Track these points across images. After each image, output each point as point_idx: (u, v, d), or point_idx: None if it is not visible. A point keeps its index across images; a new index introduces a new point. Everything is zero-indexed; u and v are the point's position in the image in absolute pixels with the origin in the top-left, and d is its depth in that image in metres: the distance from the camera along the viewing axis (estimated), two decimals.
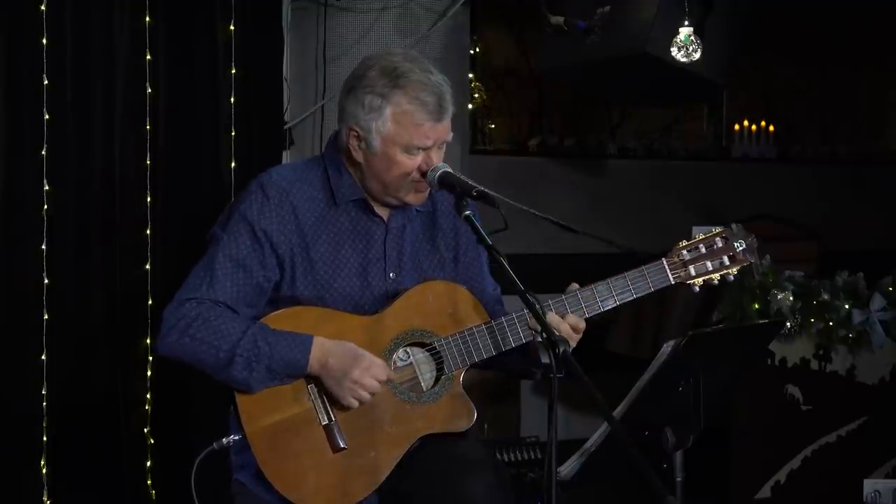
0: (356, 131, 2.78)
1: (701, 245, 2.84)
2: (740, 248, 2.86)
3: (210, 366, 2.72)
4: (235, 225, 2.79)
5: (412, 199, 2.83)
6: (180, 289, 2.77)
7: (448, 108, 2.76)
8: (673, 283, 2.82)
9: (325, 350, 2.72)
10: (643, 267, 2.81)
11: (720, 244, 2.85)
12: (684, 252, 2.83)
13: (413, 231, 2.91)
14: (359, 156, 2.80)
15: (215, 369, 2.72)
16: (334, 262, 2.81)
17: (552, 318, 2.74)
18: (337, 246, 2.83)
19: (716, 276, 2.84)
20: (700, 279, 2.84)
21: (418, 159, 2.76)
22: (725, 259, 2.85)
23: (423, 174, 2.77)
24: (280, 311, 2.79)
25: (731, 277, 2.87)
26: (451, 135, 2.81)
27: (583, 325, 2.79)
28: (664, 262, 2.83)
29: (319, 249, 2.81)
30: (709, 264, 2.84)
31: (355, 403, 2.72)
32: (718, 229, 2.86)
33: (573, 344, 2.76)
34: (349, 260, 2.83)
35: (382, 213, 2.87)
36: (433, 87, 2.74)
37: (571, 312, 2.78)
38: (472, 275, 2.97)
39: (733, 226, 2.87)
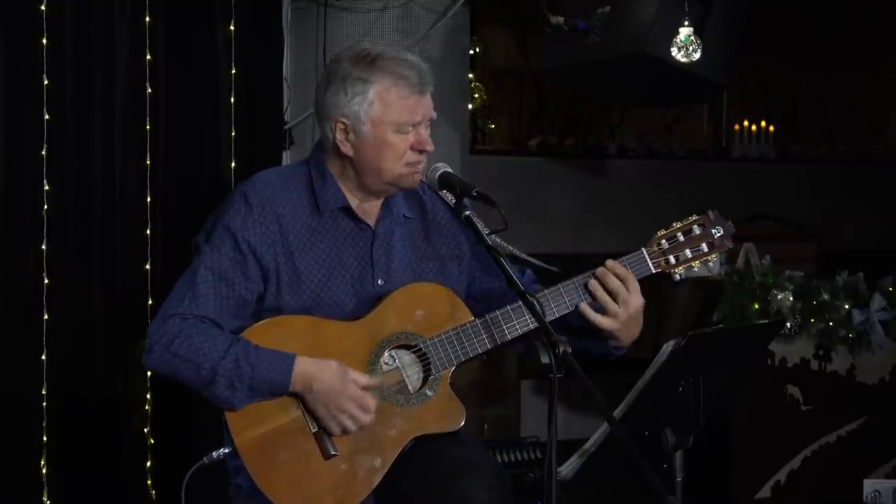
0: (342, 122, 2.74)
1: (679, 233, 2.85)
2: (718, 235, 2.87)
3: (193, 383, 2.69)
4: (219, 236, 2.74)
5: (410, 181, 2.78)
6: (164, 303, 2.74)
7: (429, 80, 2.75)
8: (654, 271, 2.83)
9: (308, 373, 2.67)
10: (624, 258, 2.82)
11: (698, 231, 2.86)
12: (663, 241, 2.84)
13: (403, 236, 2.86)
14: (348, 149, 2.75)
15: (198, 386, 2.69)
16: (320, 272, 2.77)
17: (612, 281, 2.76)
18: (323, 255, 2.78)
19: (696, 264, 2.86)
20: (680, 267, 2.85)
21: (410, 138, 2.74)
22: (704, 246, 2.86)
23: (418, 152, 2.74)
24: (263, 321, 2.74)
25: (710, 264, 2.89)
26: (435, 114, 2.78)
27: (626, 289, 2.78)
28: (644, 252, 2.83)
29: (305, 259, 2.76)
30: (688, 252, 2.85)
31: (338, 431, 2.69)
32: (695, 217, 2.88)
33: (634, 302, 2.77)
34: (336, 269, 2.78)
35: (369, 219, 2.83)
36: (410, 63, 2.74)
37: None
38: (489, 267, 2.90)
39: (710, 213, 2.89)
